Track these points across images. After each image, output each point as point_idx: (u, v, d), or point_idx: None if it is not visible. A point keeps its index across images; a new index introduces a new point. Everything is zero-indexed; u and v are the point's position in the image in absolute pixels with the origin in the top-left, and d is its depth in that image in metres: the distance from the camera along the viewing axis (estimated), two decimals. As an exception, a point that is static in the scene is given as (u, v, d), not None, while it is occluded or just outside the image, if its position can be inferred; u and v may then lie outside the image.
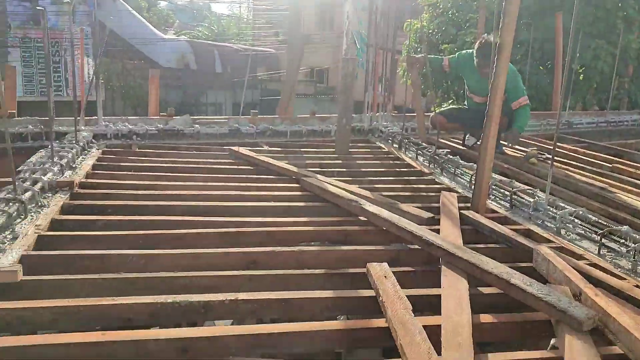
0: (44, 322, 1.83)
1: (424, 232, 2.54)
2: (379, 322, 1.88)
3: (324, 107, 19.09)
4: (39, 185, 3.04)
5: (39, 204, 2.91)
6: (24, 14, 14.36)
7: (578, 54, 7.95)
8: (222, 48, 20.01)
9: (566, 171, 4.42)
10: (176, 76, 18.58)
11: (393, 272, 2.18)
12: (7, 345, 1.59)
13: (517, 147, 5.36)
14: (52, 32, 13.61)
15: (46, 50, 3.24)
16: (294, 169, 3.94)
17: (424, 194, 3.67)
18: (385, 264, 2.23)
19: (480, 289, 2.17)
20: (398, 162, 4.74)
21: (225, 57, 19.20)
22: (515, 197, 3.34)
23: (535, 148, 5.43)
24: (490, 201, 3.45)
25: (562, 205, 3.09)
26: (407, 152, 5.04)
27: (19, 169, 3.39)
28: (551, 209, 3.08)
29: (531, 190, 3.42)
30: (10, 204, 2.66)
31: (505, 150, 5.24)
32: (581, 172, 4.43)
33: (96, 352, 1.65)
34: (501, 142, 5.17)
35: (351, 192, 3.30)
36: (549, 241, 2.76)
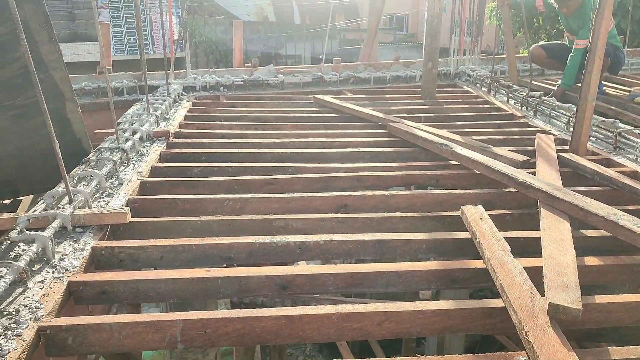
0: (152, 260, 1.95)
1: (520, 174, 2.44)
2: (476, 263, 1.85)
3: (405, 55, 18.55)
4: (137, 135, 3.20)
5: (139, 152, 3.06)
6: (111, -25, 14.84)
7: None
8: (300, -2, 19.79)
9: (676, 110, 4.06)
10: (256, 29, 18.67)
11: (488, 215, 2.12)
12: (122, 279, 1.71)
13: (620, 86, 4.97)
14: (137, -9, 13.99)
15: (137, 10, 3.33)
16: (380, 114, 3.88)
17: (517, 137, 3.52)
18: (480, 207, 2.18)
19: (583, 231, 2.08)
20: (487, 105, 4.56)
21: (304, 8, 19.00)
22: (620, 137, 3.12)
23: (639, 87, 5.01)
24: (590, 143, 3.25)
25: (674, 145, 2.86)
26: (496, 96, 4.83)
27: (118, 121, 3.57)
28: (661, 149, 2.86)
29: (637, 130, 3.18)
30: (114, 152, 2.83)
31: (607, 90, 4.88)
32: (694, 110, 4.06)
33: (202, 287, 1.74)
34: (602, 82, 4.82)
35: (441, 137, 3.22)
36: (659, 183, 2.57)
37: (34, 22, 2.21)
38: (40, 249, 1.74)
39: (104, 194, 2.40)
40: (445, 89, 5.35)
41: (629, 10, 6.79)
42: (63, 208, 2.11)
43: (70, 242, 1.91)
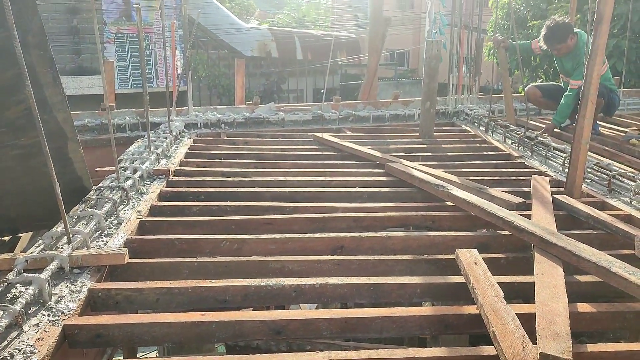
0: (149, 302, 1.96)
1: (515, 217, 2.47)
2: (470, 309, 1.86)
3: (405, 90, 18.80)
4: (138, 173, 3.24)
5: (139, 191, 3.09)
6: (117, 10, 15.17)
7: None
8: (303, 35, 20.14)
9: (671, 152, 4.10)
10: (258, 64, 18.97)
11: (482, 258, 2.14)
12: (117, 323, 1.72)
13: (615, 127, 5.04)
14: (142, 26, 14.32)
15: (141, 46, 3.42)
16: (378, 154, 3.93)
17: (514, 178, 3.55)
18: (474, 250, 2.19)
19: (576, 277, 2.09)
20: (485, 145, 4.61)
21: (306, 43, 19.33)
22: (614, 180, 3.15)
23: (635, 128, 5.08)
24: (585, 185, 3.28)
25: (668, 189, 2.89)
26: (494, 135, 4.89)
27: (120, 158, 3.62)
28: (655, 193, 2.89)
29: (632, 173, 3.22)
30: (115, 191, 2.86)
31: (602, 131, 4.94)
32: (688, 152, 4.10)
33: (197, 332, 1.75)
34: (597, 122, 4.90)
35: (437, 177, 3.25)
36: (653, 227, 2.59)
37: (40, 66, 2.28)
38: (37, 291, 1.76)
39: (103, 234, 2.42)
40: (443, 128, 5.42)
41: (624, 52, 6.92)
42: (61, 248, 2.13)
43: (67, 284, 1.93)
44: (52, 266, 1.92)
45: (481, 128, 5.18)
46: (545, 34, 4.74)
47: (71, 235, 2.14)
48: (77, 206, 2.71)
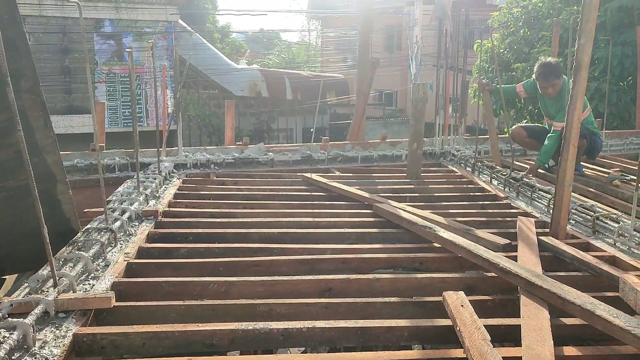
0: (134, 346, 1.94)
1: (500, 259, 2.49)
2: (457, 352, 1.86)
3: (394, 130, 19.08)
4: (127, 214, 3.24)
5: (127, 232, 3.09)
6: (109, 51, 15.37)
7: (662, 68, 7.56)
8: (293, 75, 20.47)
9: (654, 193, 4.18)
10: (249, 104, 19.18)
11: (469, 300, 2.15)
12: (103, 368, 1.71)
13: (599, 168, 5.14)
14: (134, 67, 14.53)
15: (132, 89, 3.47)
16: (366, 194, 3.97)
17: (500, 219, 3.59)
18: (461, 292, 2.21)
19: (562, 319, 2.10)
20: (472, 186, 4.67)
21: (296, 83, 19.63)
22: (598, 221, 3.20)
23: (618, 169, 5.18)
24: (570, 226, 3.33)
25: (650, 230, 2.93)
26: (480, 176, 4.96)
27: (108, 199, 3.62)
28: (638, 234, 2.93)
29: (615, 214, 3.27)
30: (103, 233, 2.86)
31: (586, 172, 5.03)
32: (670, 193, 4.17)
33: (183, 377, 1.73)
34: (581, 163, 4.99)
35: (424, 218, 3.29)
36: (637, 269, 2.62)
37: (32, 110, 2.31)
38: (21, 337, 1.74)
39: (90, 277, 2.41)
40: (430, 169, 5.49)
41: (605, 94, 7.11)
42: (47, 292, 2.12)
43: (52, 328, 1.91)
44: (37, 310, 1.91)
45: (468, 169, 5.26)
46: (543, 72, 4.84)
47: (57, 279, 2.13)
48: (64, 248, 2.70)
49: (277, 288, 2.45)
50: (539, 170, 4.90)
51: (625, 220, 3.12)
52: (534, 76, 5.15)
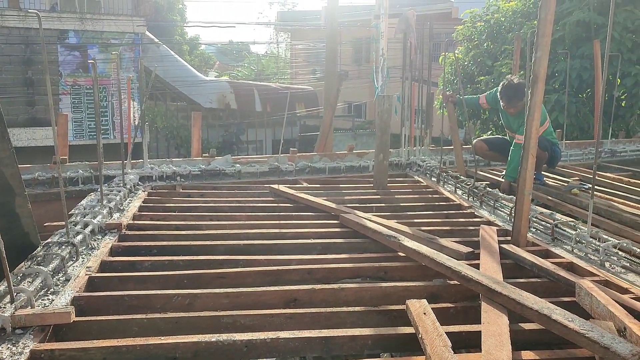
0: (95, 362, 1.91)
1: (462, 267, 2.54)
2: (419, 360, 1.89)
3: (363, 141, 19.23)
4: (89, 228, 3.19)
5: (90, 246, 3.04)
6: (74, 62, 15.13)
7: (619, 81, 7.84)
8: (262, 87, 20.50)
9: (610, 201, 4.32)
10: (217, 116, 19.11)
11: (432, 308, 2.18)
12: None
13: (559, 177, 5.28)
14: (99, 79, 14.36)
15: (96, 101, 3.43)
16: (333, 205, 3.99)
17: (463, 227, 3.66)
18: (424, 301, 2.24)
19: (521, 324, 2.15)
20: (436, 195, 4.74)
21: (265, 95, 19.66)
22: (557, 229, 3.29)
23: (577, 178, 5.33)
24: (531, 234, 3.41)
25: (606, 237, 3.02)
26: (445, 186, 5.04)
27: (71, 212, 3.55)
28: (594, 241, 3.03)
29: (573, 222, 3.37)
30: (63, 247, 2.80)
31: (547, 181, 5.17)
32: (625, 202, 4.32)
33: (144, 391, 1.71)
34: (542, 173, 5.12)
35: (390, 228, 3.32)
36: (593, 274, 2.71)
37: (-12, 122, 2.27)
38: (-25, 354, 1.70)
39: (49, 292, 2.36)
40: (397, 179, 5.56)
41: (564, 106, 7.32)
42: (4, 307, 2.07)
43: (9, 345, 1.87)
44: (-7, 327, 1.86)
45: (433, 179, 5.34)
46: (507, 94, 4.94)
47: (15, 294, 2.08)
48: (23, 263, 2.64)
49: (241, 300, 2.44)
50: (512, 184, 4.97)
51: (582, 227, 3.21)
52: (497, 89, 5.27)
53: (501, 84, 5.10)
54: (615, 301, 2.17)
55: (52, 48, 14.39)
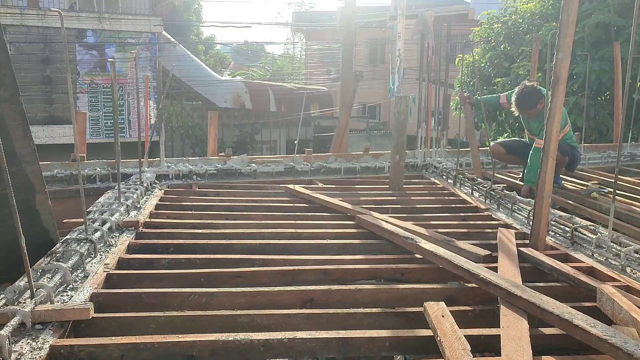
0: (112, 358, 1.92)
1: (481, 270, 2.51)
2: (437, 363, 1.87)
3: (377, 142, 19.18)
4: (107, 225, 3.21)
5: (107, 243, 3.06)
6: (91, 61, 15.28)
7: (639, 84, 7.73)
8: (276, 87, 20.54)
9: (630, 205, 4.25)
10: (232, 115, 19.19)
11: (450, 311, 2.16)
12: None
13: (577, 180, 5.22)
14: (117, 77, 14.47)
15: (114, 100, 3.46)
16: (349, 205, 3.98)
17: (480, 230, 3.63)
18: (442, 303, 2.22)
19: (540, 329, 2.12)
20: (453, 197, 4.71)
21: (279, 96, 19.69)
22: (576, 233, 3.25)
23: (596, 182, 5.27)
24: (549, 237, 3.37)
25: (627, 241, 2.98)
26: (462, 188, 5.00)
27: (89, 209, 3.58)
28: (615, 245, 2.98)
29: (593, 226, 3.32)
30: (82, 243, 2.83)
31: (565, 185, 5.11)
32: (647, 206, 4.25)
33: (162, 389, 1.71)
34: (561, 176, 5.06)
35: (406, 229, 3.31)
36: (614, 280, 2.67)
37: (11, 120, 2.29)
38: (-4, 349, 1.71)
39: (68, 288, 2.38)
40: (412, 180, 5.53)
41: (583, 108, 7.24)
42: (24, 303, 2.09)
43: (29, 340, 1.88)
44: (14, 322, 1.88)
45: (449, 181, 5.30)
46: (517, 101, 4.87)
47: (34, 290, 2.10)
48: (43, 259, 2.66)
49: (258, 299, 2.44)
50: (532, 189, 4.90)
51: (603, 232, 3.17)
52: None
53: (517, 88, 5.03)
54: (638, 307, 2.13)
55: (70, 47, 14.54)
